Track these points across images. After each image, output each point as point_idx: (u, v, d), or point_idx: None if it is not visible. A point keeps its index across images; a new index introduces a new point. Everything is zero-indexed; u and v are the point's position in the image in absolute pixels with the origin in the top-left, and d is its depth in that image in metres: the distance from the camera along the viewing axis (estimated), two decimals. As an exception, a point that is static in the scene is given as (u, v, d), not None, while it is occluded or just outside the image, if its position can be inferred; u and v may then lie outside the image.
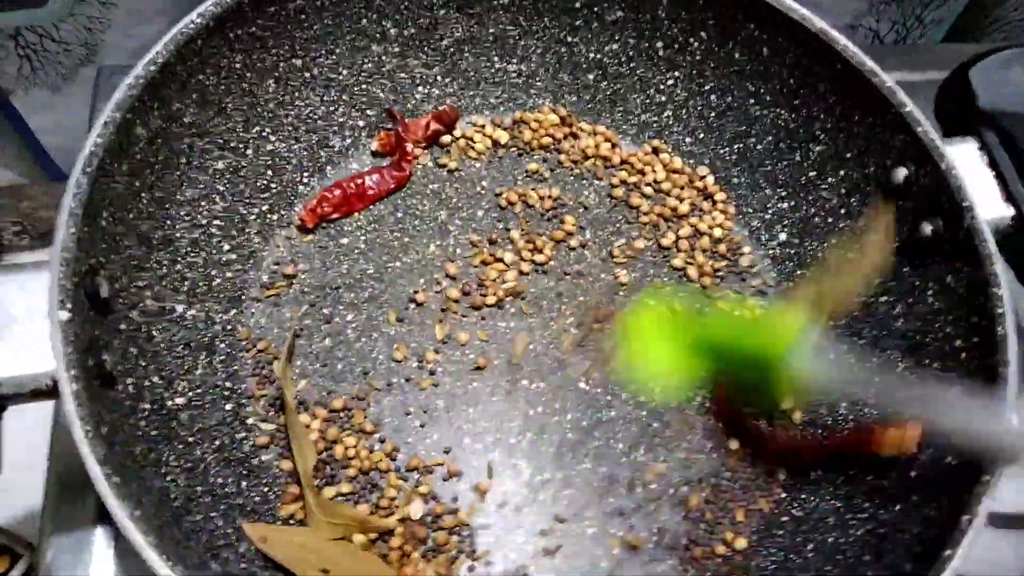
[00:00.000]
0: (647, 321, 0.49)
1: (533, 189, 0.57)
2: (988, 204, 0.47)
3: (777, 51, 0.53)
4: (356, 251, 0.54)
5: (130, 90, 0.42)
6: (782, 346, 0.41)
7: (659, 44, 0.57)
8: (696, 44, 0.56)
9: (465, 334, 0.52)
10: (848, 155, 0.53)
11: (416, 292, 0.53)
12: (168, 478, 0.41)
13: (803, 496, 0.49)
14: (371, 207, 0.55)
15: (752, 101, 0.56)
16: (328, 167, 0.56)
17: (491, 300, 0.53)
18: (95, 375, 0.37)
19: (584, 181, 0.58)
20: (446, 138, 0.58)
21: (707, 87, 0.57)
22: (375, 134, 0.57)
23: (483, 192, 0.57)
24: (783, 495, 0.49)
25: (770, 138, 0.56)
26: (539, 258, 0.55)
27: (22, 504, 0.72)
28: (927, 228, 0.48)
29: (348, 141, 0.57)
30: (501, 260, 0.54)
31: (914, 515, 0.43)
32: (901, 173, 0.49)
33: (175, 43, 0.44)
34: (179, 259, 0.47)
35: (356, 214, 0.55)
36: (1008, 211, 0.48)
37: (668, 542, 0.47)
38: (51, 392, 0.37)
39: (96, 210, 0.40)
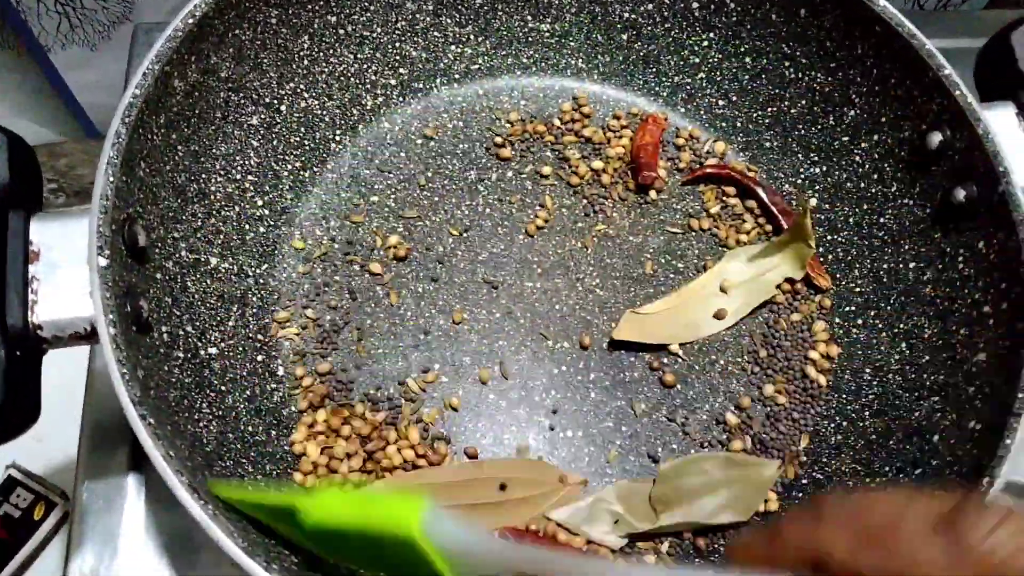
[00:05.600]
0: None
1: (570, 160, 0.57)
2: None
3: (815, 12, 0.53)
4: (386, 209, 0.54)
5: (169, 42, 0.43)
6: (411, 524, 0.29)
7: (694, 4, 0.56)
8: (732, 4, 0.56)
9: (493, 293, 0.52)
10: (883, 119, 0.52)
11: (444, 251, 0.53)
12: (200, 424, 0.42)
13: (824, 460, 0.49)
14: (401, 168, 0.56)
15: (787, 64, 0.56)
16: (360, 125, 0.56)
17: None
18: (131, 321, 0.38)
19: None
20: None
21: (742, 49, 0.57)
22: (405, 94, 0.58)
23: (517, 159, 0.57)
24: (805, 459, 0.49)
25: (804, 102, 0.56)
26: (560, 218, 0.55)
27: (58, 455, 0.74)
28: (960, 194, 0.47)
29: (380, 100, 0.57)
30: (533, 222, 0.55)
31: (935, 480, 0.43)
32: (936, 138, 0.49)
33: (212, -3, 0.45)
34: (213, 212, 0.48)
35: (388, 174, 0.55)
36: (1045, 177, 0.47)
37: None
38: (89, 336, 0.38)
39: (134, 161, 0.41)
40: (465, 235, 0.54)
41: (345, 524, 0.31)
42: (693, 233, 0.56)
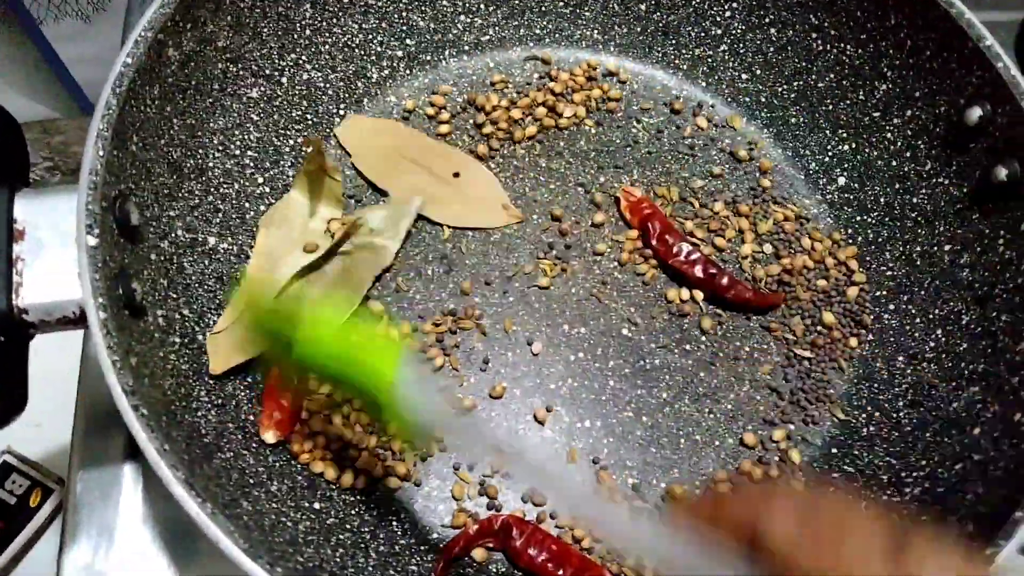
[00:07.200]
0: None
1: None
2: (1072, 146, 0.44)
3: (845, -19, 0.50)
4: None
5: (163, 8, 0.40)
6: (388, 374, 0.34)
7: (717, -28, 0.54)
8: (757, -27, 0.53)
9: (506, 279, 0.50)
10: (917, 94, 0.50)
11: (454, 231, 0.51)
12: (199, 413, 0.39)
13: (855, 452, 0.46)
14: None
15: (815, 35, 0.53)
16: (365, 99, 0.54)
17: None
18: (124, 304, 0.36)
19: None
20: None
21: (767, 20, 0.54)
22: (412, 67, 0.55)
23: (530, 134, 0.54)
24: (834, 451, 0.47)
25: (832, 75, 0.53)
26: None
27: (54, 439, 0.72)
28: (1001, 172, 0.45)
29: (386, 72, 0.54)
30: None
31: (976, 474, 0.41)
32: (975, 113, 0.46)
33: (208, -41, 0.42)
34: (212, 190, 0.45)
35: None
36: (1093, 154, 0.44)
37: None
38: (79, 320, 0.36)
39: (126, 134, 0.38)
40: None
41: (333, 358, 0.35)
42: (716, 216, 0.53)
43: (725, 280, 0.49)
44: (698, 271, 0.49)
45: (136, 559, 0.45)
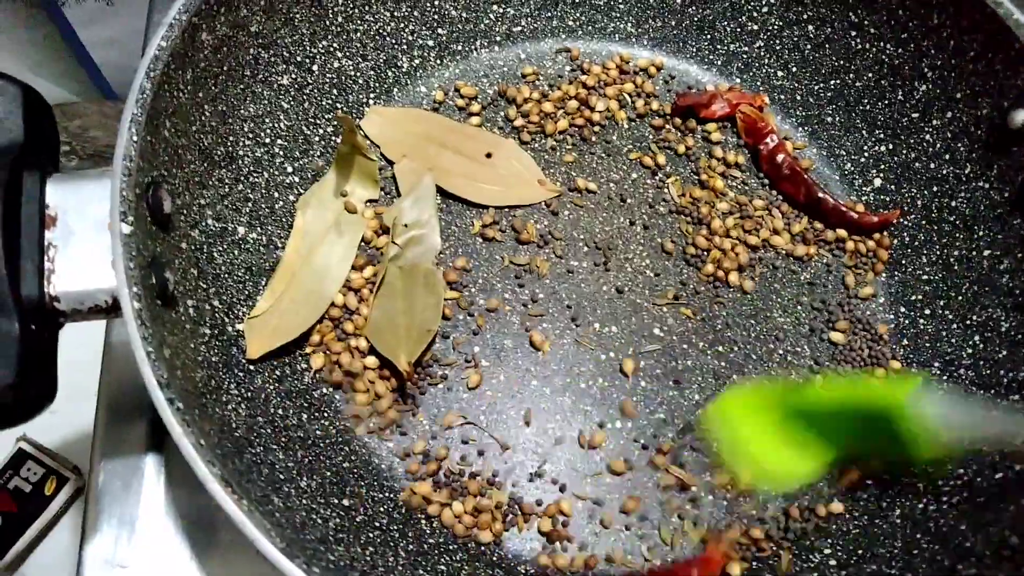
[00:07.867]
0: (742, 407, 0.42)
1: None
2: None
3: (888, -23, 0.49)
4: (422, 179, 0.51)
5: (197, -9, 0.39)
6: (900, 400, 0.37)
7: (755, -33, 0.53)
8: (796, -32, 0.52)
9: (537, 274, 0.49)
10: (959, 95, 0.49)
11: (486, 227, 0.50)
12: (229, 407, 0.39)
13: (891, 461, 0.46)
14: (439, 133, 0.52)
15: (854, 33, 0.52)
16: (395, 89, 0.53)
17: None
18: (157, 294, 0.35)
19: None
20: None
21: (805, 16, 0.53)
22: (443, 57, 0.54)
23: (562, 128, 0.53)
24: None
25: (871, 75, 0.52)
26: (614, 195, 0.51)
27: (70, 429, 0.71)
28: (1047, 177, 0.44)
29: (416, 62, 0.53)
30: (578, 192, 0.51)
31: (1017, 485, 0.40)
32: (1020, 116, 0.45)
33: (244, -58, 0.41)
34: (241, 178, 0.45)
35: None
36: None
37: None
38: (110, 309, 0.35)
39: (159, 119, 0.37)
40: (504, 209, 0.51)
41: (835, 404, 0.39)
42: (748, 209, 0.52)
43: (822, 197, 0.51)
44: (801, 192, 0.52)
45: (157, 550, 0.44)
